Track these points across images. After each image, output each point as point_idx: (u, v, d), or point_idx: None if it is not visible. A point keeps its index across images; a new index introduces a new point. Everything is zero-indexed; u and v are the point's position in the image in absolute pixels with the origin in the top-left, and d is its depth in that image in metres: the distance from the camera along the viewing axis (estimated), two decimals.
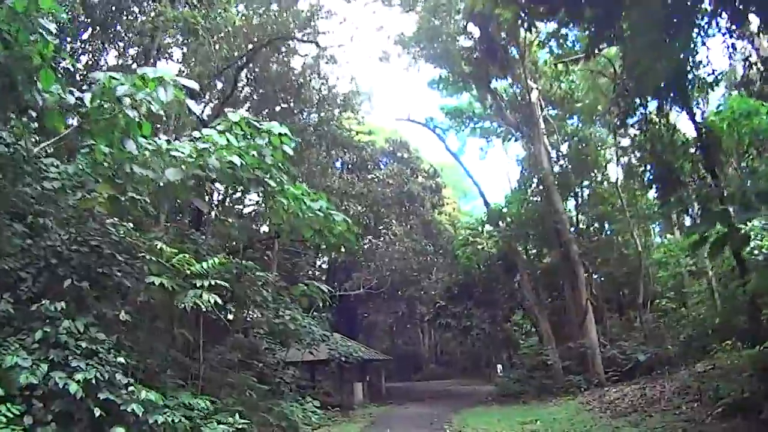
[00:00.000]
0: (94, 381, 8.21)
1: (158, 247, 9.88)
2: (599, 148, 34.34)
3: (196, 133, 10.59)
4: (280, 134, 11.01)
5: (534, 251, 35.19)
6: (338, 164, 37.46)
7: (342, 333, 31.47)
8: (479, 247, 32.57)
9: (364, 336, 43.57)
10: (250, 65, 23.47)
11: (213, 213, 25.56)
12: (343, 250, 32.02)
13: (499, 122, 38.33)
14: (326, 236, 13.30)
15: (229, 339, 14.80)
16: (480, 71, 32.43)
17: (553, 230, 28.95)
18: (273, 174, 11.01)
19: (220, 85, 25.65)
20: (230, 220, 29.36)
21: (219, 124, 10.77)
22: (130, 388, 8.73)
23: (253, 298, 15.53)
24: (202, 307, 9.52)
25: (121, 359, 8.85)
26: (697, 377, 16.80)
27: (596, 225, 35.22)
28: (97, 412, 8.07)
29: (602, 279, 34.54)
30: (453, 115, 38.64)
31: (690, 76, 15.14)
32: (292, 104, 27.60)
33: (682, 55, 14.23)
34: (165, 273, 9.75)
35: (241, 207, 33.17)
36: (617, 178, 31.46)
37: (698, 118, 17.02)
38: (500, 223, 32.42)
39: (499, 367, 38.70)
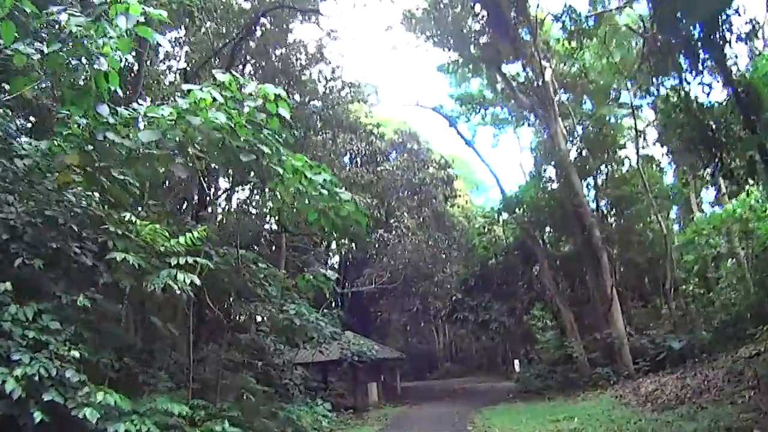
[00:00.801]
0: (37, 378, 6.71)
1: (127, 218, 8.35)
2: (614, 132, 32.72)
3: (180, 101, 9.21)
4: (276, 96, 9.63)
5: (553, 239, 33.57)
6: (346, 159, 36.21)
7: (355, 332, 30.13)
8: (496, 234, 31.11)
9: (377, 335, 42.18)
10: (250, 45, 22.16)
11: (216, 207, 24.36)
12: (353, 243, 31.07)
13: (510, 109, 37.04)
14: (332, 219, 11.81)
15: (225, 336, 13.33)
16: (490, 54, 31.07)
17: (573, 215, 27.37)
18: (268, 142, 9.59)
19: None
20: (233, 212, 28.36)
21: (205, 85, 9.40)
22: (86, 389, 7.18)
23: (255, 291, 14.12)
24: (176, 288, 7.96)
25: (75, 353, 7.31)
26: (747, 363, 15.23)
27: (615, 210, 33.52)
28: (39, 416, 6.53)
29: (623, 266, 32.93)
30: (463, 101, 37.13)
31: (725, 27, 13.64)
32: (297, 97, 26.20)
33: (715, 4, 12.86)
34: (137, 251, 8.25)
35: (247, 206, 32.06)
36: (638, 159, 29.86)
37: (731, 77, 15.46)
38: (517, 210, 30.88)
39: (516, 362, 37.13)
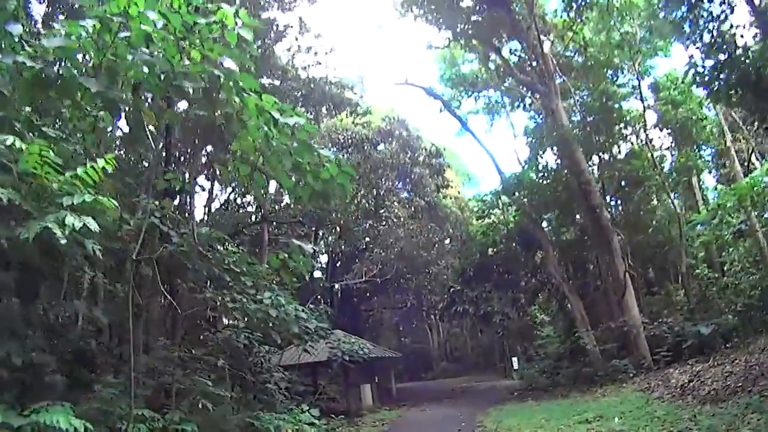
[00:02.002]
0: None
1: (9, 143, 5.73)
2: (618, 107, 30.60)
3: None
4: (235, 14, 7.34)
5: (556, 223, 31.31)
6: (331, 154, 33.96)
7: (345, 331, 27.80)
8: (495, 220, 28.92)
9: (369, 335, 40.03)
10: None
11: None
12: (341, 239, 28.63)
13: (504, 91, 34.99)
14: (311, 185, 9.35)
15: (179, 329, 10.97)
16: (484, 31, 28.93)
17: (579, 194, 25.11)
18: (223, 70, 7.26)
19: None
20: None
21: None
22: None
23: (222, 277, 11.80)
24: (60, 236, 5.49)
25: None
26: None
27: (620, 192, 31.32)
28: None
29: (630, 252, 30.83)
30: (455, 84, 34.90)
31: None
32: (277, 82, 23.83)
33: None
34: (27, 194, 5.76)
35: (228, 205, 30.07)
36: (646, 136, 27.91)
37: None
38: (516, 193, 28.65)
39: (515, 360, 35.05)
